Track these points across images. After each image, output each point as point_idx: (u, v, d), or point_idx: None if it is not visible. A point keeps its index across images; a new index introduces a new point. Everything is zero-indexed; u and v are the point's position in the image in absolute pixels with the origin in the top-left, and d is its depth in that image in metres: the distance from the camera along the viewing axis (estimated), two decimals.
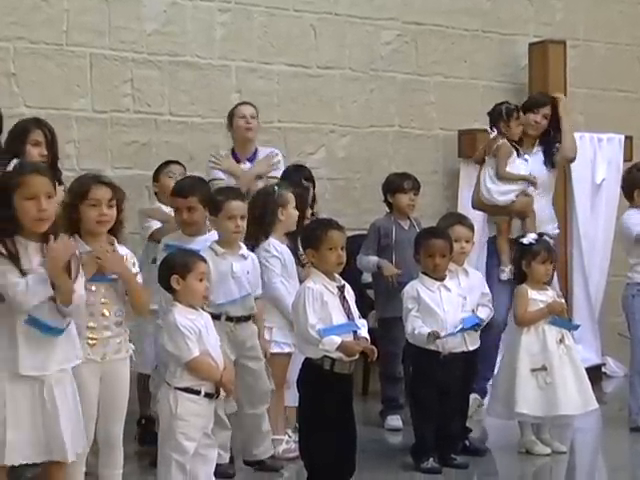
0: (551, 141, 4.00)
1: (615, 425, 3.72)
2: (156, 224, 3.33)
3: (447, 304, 3.09)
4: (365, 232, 3.87)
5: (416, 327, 3.04)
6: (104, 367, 2.43)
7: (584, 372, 3.29)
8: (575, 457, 3.43)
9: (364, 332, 2.73)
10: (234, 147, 3.73)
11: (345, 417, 2.72)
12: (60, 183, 2.71)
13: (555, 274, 3.59)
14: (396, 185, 3.73)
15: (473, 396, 3.66)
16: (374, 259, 3.66)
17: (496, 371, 3.45)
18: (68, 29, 3.88)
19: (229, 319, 2.93)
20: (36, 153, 2.97)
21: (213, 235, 3.08)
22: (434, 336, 2.99)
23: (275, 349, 3.11)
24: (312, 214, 3.70)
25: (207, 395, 2.58)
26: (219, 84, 4.16)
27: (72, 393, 2.26)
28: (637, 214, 3.71)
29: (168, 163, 3.54)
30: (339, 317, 2.68)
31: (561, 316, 3.29)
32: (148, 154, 4.01)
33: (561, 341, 3.24)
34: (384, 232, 3.68)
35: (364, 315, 2.93)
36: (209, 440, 2.62)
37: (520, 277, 3.33)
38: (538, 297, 3.27)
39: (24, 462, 2.20)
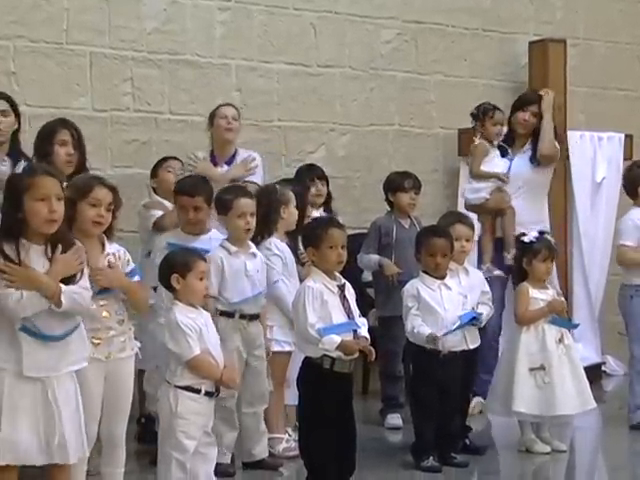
0: (539, 138, 3.99)
1: (615, 424, 3.72)
2: (158, 213, 3.31)
3: (448, 303, 3.09)
4: (365, 231, 3.88)
5: (416, 326, 3.04)
6: (108, 366, 2.43)
7: (583, 372, 3.29)
8: (575, 456, 3.42)
9: (364, 331, 2.74)
10: (213, 149, 3.66)
11: (345, 416, 2.72)
12: None
13: (555, 272, 3.60)
14: (397, 184, 3.73)
15: (477, 399, 3.67)
16: (375, 257, 3.66)
17: (495, 369, 3.45)
18: (68, 28, 3.88)
19: (242, 317, 2.94)
20: (63, 153, 3.01)
21: (215, 233, 3.08)
22: (432, 338, 2.98)
23: (275, 347, 3.11)
24: (330, 212, 3.72)
25: (207, 393, 2.58)
26: (219, 83, 4.15)
27: (75, 394, 2.26)
28: None
29: (166, 159, 3.54)
30: (339, 316, 2.68)
31: (561, 315, 3.29)
32: (148, 153, 4.00)
33: (560, 340, 3.24)
34: (385, 231, 3.68)
35: (364, 314, 2.92)
36: (209, 439, 2.63)
37: (521, 275, 3.33)
38: (539, 296, 3.27)
39: (24, 464, 2.19)
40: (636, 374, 3.65)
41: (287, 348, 3.14)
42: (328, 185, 3.79)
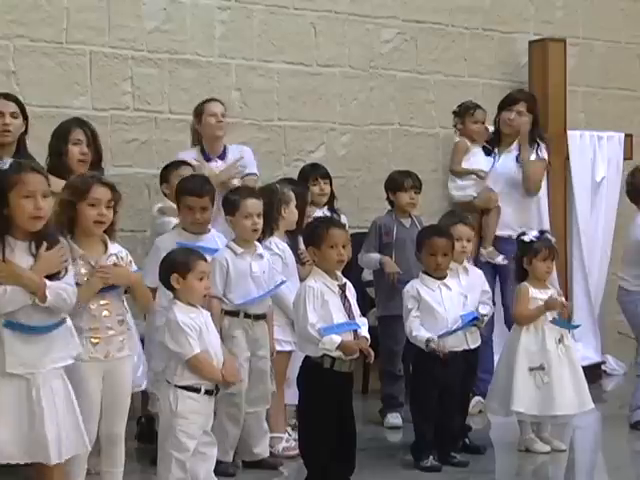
0: (530, 139, 3.98)
1: (615, 423, 3.72)
2: (173, 220, 3.30)
3: (448, 303, 3.09)
4: (365, 230, 3.87)
5: (414, 329, 3.04)
6: (107, 365, 2.42)
7: (582, 372, 3.29)
8: (575, 455, 3.42)
9: (364, 331, 2.74)
10: (203, 145, 3.66)
11: (345, 415, 2.72)
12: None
13: (554, 272, 3.60)
14: (397, 183, 3.73)
15: (477, 399, 3.66)
16: (376, 256, 3.66)
17: (495, 369, 3.45)
18: (68, 27, 3.87)
19: (247, 316, 2.94)
20: (77, 151, 3.04)
21: (215, 232, 3.09)
22: (431, 348, 2.97)
23: (276, 347, 3.11)
24: (333, 211, 3.72)
25: (207, 392, 2.58)
26: (219, 82, 4.14)
27: (64, 393, 2.25)
28: None
29: (178, 164, 3.50)
30: (339, 316, 2.68)
31: (560, 315, 3.28)
32: (148, 152, 4.00)
33: (560, 341, 3.24)
34: (385, 230, 3.68)
35: (364, 313, 2.93)
36: (209, 438, 2.62)
37: (521, 275, 3.33)
38: (539, 296, 3.27)
39: (7, 462, 2.18)
40: None
41: (287, 348, 3.14)
42: (332, 184, 3.79)
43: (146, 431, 3.23)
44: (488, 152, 3.99)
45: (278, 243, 3.17)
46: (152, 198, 3.80)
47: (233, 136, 3.82)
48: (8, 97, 3.19)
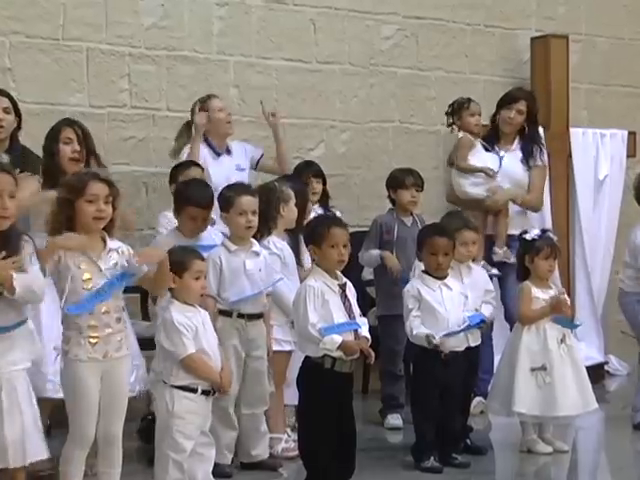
0: (528, 139, 3.94)
1: (618, 424, 3.69)
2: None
3: (449, 303, 3.06)
4: (365, 229, 3.84)
5: (414, 328, 3.02)
6: (105, 366, 2.40)
7: (585, 372, 3.26)
8: (577, 456, 3.40)
9: (365, 331, 2.71)
10: (210, 139, 3.67)
11: (345, 416, 2.70)
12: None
13: (557, 271, 3.56)
14: (398, 181, 3.69)
15: (478, 399, 3.63)
16: (376, 252, 3.62)
17: (496, 368, 3.41)
18: (64, 23, 3.85)
19: (240, 316, 2.91)
20: (68, 150, 3.03)
21: (211, 229, 3.07)
22: (430, 342, 2.95)
23: (275, 347, 3.08)
24: (328, 209, 3.69)
25: (204, 392, 2.55)
26: (217, 79, 4.12)
27: (24, 396, 2.22)
28: None
29: (188, 165, 3.47)
30: (340, 316, 2.66)
31: (564, 314, 3.25)
32: (146, 150, 3.97)
33: (562, 340, 3.21)
34: (386, 228, 3.65)
35: (364, 313, 2.90)
36: (207, 439, 2.61)
37: (523, 274, 3.30)
38: (541, 295, 3.24)
39: None
40: None
41: (287, 348, 3.11)
42: (325, 183, 3.76)
43: (149, 430, 3.19)
44: (486, 148, 3.94)
45: (276, 242, 3.14)
46: (149, 196, 3.77)
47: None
48: (1, 92, 3.18)
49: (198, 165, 3.50)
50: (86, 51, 3.88)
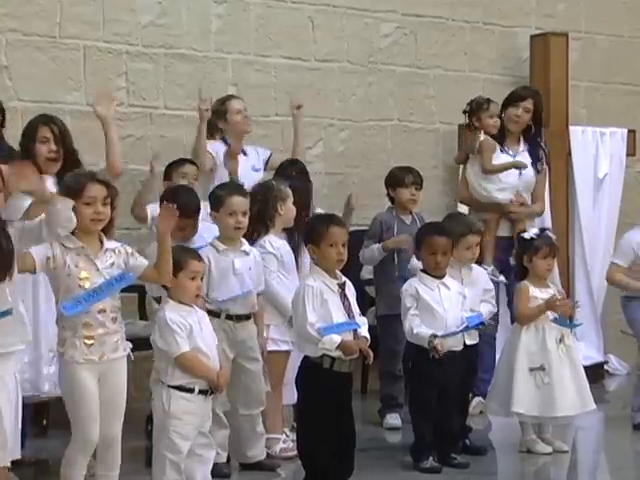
0: (535, 141, 3.93)
1: (618, 424, 3.68)
2: None
3: (447, 302, 3.05)
4: (363, 228, 3.82)
5: (414, 327, 3.00)
6: (102, 367, 2.39)
7: (583, 372, 3.25)
8: (577, 456, 3.39)
9: (364, 331, 2.70)
10: (230, 140, 3.70)
11: (344, 416, 2.69)
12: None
13: (556, 270, 3.54)
14: (397, 179, 3.68)
15: (477, 399, 3.62)
16: (376, 245, 3.59)
17: (495, 369, 3.40)
18: (61, 21, 3.83)
19: (229, 317, 2.89)
20: (45, 150, 2.98)
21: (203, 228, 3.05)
22: (433, 345, 2.94)
23: (272, 347, 3.07)
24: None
25: (201, 392, 2.54)
26: (215, 77, 4.10)
27: (15, 394, 2.20)
28: None
29: (182, 162, 3.46)
30: (339, 315, 2.64)
31: (563, 314, 3.23)
32: (143, 148, 3.95)
33: (561, 340, 3.20)
34: (386, 227, 3.63)
35: (363, 312, 2.89)
36: (205, 439, 2.59)
37: (521, 273, 3.28)
38: (540, 295, 3.23)
39: None
40: None
41: (284, 347, 3.09)
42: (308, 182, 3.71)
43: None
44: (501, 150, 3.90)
45: (273, 241, 3.12)
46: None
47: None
48: None
49: (193, 163, 3.48)
50: (83, 49, 3.86)
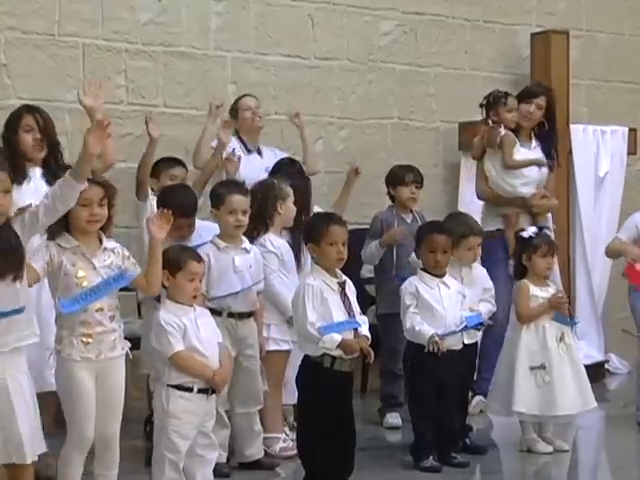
0: (547, 139, 3.91)
1: (619, 423, 3.66)
2: None
3: (447, 301, 3.04)
4: (364, 226, 3.81)
5: (416, 324, 2.99)
6: (99, 366, 2.38)
7: (584, 371, 3.24)
8: (578, 455, 3.37)
9: (365, 330, 2.69)
10: (241, 136, 3.73)
11: (344, 415, 2.68)
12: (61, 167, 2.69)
13: (557, 268, 3.53)
14: (398, 177, 3.67)
15: (478, 398, 3.61)
16: (374, 242, 3.57)
17: (495, 368, 3.38)
18: (60, 19, 3.82)
19: (230, 315, 2.89)
20: (29, 138, 2.95)
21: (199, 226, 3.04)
22: (434, 341, 2.93)
23: (273, 347, 3.06)
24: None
25: (201, 391, 2.53)
26: (214, 75, 4.09)
27: (29, 391, 2.21)
28: None
29: (171, 164, 3.44)
30: (339, 314, 2.64)
31: (561, 312, 3.21)
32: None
33: (561, 339, 3.18)
34: (386, 225, 3.62)
35: (363, 311, 2.88)
36: (207, 440, 2.58)
37: (520, 272, 3.27)
38: (539, 294, 3.21)
39: None
40: None
41: (285, 347, 3.08)
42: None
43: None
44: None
45: (273, 240, 3.11)
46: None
47: (230, 130, 3.75)
48: None
49: (183, 165, 3.47)
50: (82, 47, 3.85)
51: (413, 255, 3.21)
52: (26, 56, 3.75)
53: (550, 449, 3.21)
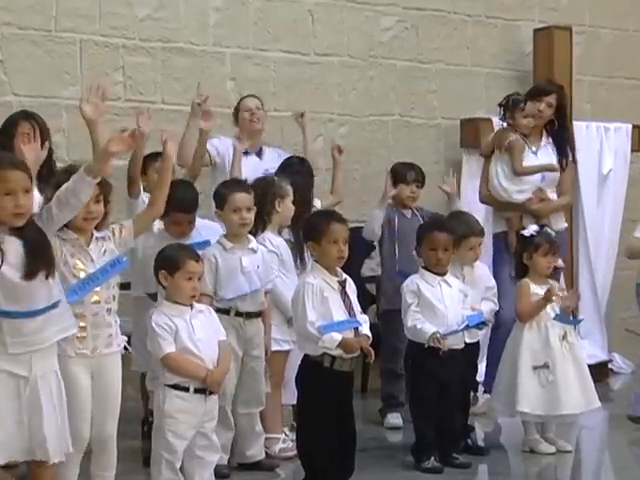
0: (559, 135, 3.87)
1: (622, 423, 3.62)
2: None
3: (448, 300, 3.01)
4: (364, 224, 3.76)
5: (417, 323, 2.97)
6: (95, 362, 2.36)
7: (587, 370, 3.21)
8: (581, 456, 3.33)
9: (366, 329, 2.66)
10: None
11: (344, 415, 2.65)
12: (53, 174, 2.67)
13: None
14: (400, 175, 3.65)
15: (486, 396, 3.57)
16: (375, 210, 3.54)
17: (498, 369, 3.35)
18: (57, 14, 3.79)
19: (238, 314, 2.87)
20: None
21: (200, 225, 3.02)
22: (436, 338, 2.91)
23: (274, 347, 3.03)
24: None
25: (197, 391, 2.50)
26: (213, 71, 4.07)
27: (58, 390, 2.20)
28: None
29: (157, 157, 3.44)
30: (339, 313, 2.61)
31: (563, 311, 3.18)
32: None
33: (564, 337, 3.15)
34: (386, 219, 3.60)
35: (364, 310, 2.85)
36: (207, 441, 2.55)
37: (521, 271, 3.24)
38: (541, 292, 3.18)
39: (6, 461, 2.14)
40: None
41: (285, 347, 3.06)
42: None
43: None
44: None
45: (272, 239, 3.08)
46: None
47: (229, 127, 3.74)
48: None
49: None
50: (79, 43, 3.83)
51: (414, 253, 3.18)
52: (23, 52, 3.73)
53: (553, 450, 3.18)
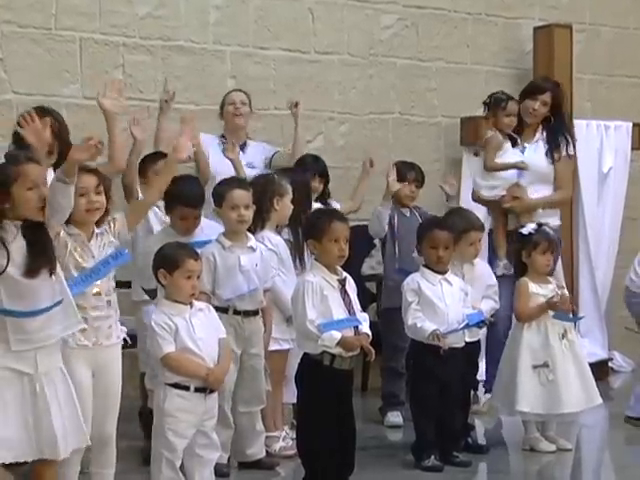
0: (554, 130, 3.86)
1: (622, 421, 3.62)
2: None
3: (449, 298, 3.02)
4: (364, 223, 3.77)
5: (418, 321, 2.97)
6: (96, 355, 2.36)
7: (587, 367, 3.21)
8: (581, 454, 3.33)
9: (365, 327, 2.66)
10: (225, 135, 3.66)
11: (344, 414, 2.65)
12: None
13: (559, 265, 3.49)
14: (400, 174, 3.65)
15: (488, 396, 3.58)
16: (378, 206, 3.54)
17: (498, 368, 3.35)
18: (57, 12, 3.79)
19: (237, 312, 2.86)
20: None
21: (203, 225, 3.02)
22: (436, 336, 2.91)
23: (273, 346, 3.03)
24: (326, 205, 3.62)
25: (198, 390, 2.50)
26: (213, 70, 4.06)
27: (65, 388, 2.20)
28: None
29: (156, 158, 3.43)
30: (339, 311, 2.61)
31: (563, 309, 3.17)
32: None
33: (564, 336, 3.15)
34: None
35: (364, 308, 2.86)
36: (207, 440, 2.55)
37: (520, 269, 3.24)
38: (540, 291, 3.18)
39: (14, 460, 2.14)
40: None
41: (285, 346, 3.06)
42: (327, 182, 3.67)
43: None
44: (514, 143, 3.81)
45: (271, 238, 3.08)
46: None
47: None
48: None
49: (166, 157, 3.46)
50: (79, 41, 3.82)
51: (415, 252, 3.18)
52: (22, 50, 3.72)
53: (553, 448, 3.18)
